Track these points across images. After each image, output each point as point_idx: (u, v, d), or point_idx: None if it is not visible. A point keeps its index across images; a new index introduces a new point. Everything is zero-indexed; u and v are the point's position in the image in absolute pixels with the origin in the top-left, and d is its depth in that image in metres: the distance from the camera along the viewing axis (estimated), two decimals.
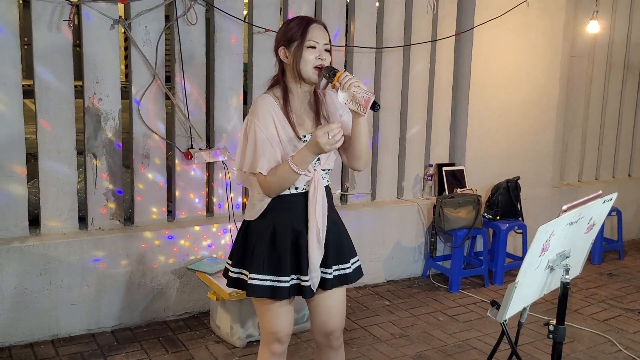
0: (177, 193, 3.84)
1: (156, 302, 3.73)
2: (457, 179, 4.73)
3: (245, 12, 3.95)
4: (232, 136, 3.94)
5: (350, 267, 2.34)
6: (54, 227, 3.51)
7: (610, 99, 5.77)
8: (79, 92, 3.50)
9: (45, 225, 3.49)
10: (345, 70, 2.13)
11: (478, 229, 4.52)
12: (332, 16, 4.16)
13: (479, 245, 4.81)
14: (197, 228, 3.81)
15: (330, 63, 2.19)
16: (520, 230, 4.76)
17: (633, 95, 5.92)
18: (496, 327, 3.86)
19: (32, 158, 3.54)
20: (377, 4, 4.38)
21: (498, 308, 1.88)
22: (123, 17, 3.52)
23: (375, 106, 2.04)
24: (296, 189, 2.22)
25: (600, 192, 2.08)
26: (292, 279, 2.23)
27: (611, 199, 2.09)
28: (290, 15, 4.01)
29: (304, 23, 2.17)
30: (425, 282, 4.63)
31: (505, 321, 1.95)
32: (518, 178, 4.72)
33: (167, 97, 3.71)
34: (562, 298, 2.01)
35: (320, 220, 2.21)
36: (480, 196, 4.58)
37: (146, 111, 3.65)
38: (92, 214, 3.62)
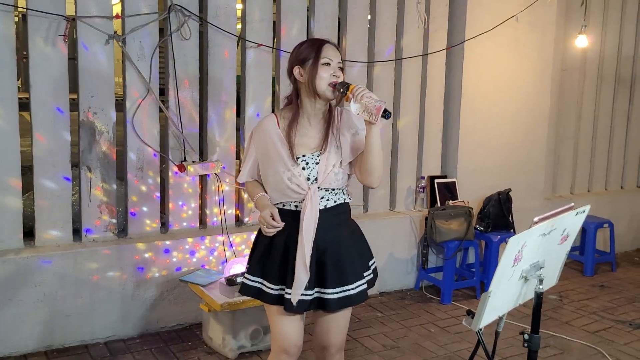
0: (170, 205, 3.88)
1: (149, 314, 3.76)
2: (449, 191, 4.77)
3: (238, 26, 4.01)
4: (225, 149, 3.99)
5: (354, 289, 2.32)
6: (49, 239, 3.54)
7: (602, 112, 5.83)
8: (74, 106, 3.56)
9: (40, 237, 3.53)
10: (359, 84, 2.21)
11: (470, 241, 4.56)
12: (324, 30, 4.22)
13: (471, 257, 4.84)
14: (190, 240, 3.85)
15: (344, 79, 2.28)
16: None
17: (624, 108, 5.98)
18: (488, 339, 3.83)
19: (27, 171, 3.59)
20: (369, 17, 4.45)
21: (473, 317, 1.91)
22: (118, 33, 3.58)
23: (386, 114, 2.12)
24: (295, 206, 2.29)
25: (573, 204, 2.13)
26: (280, 288, 2.31)
27: (584, 211, 2.14)
28: (283, 30, 4.07)
29: (318, 43, 2.28)
30: (417, 294, 4.65)
31: (481, 330, 1.99)
32: (509, 190, 4.77)
33: (161, 111, 3.77)
34: (536, 308, 2.05)
35: (309, 238, 2.23)
36: (472, 208, 4.62)
37: (140, 124, 3.70)
38: (87, 226, 3.65)
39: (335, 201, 2.31)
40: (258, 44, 3.94)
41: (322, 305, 2.29)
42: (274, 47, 4.07)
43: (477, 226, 4.69)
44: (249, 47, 3.95)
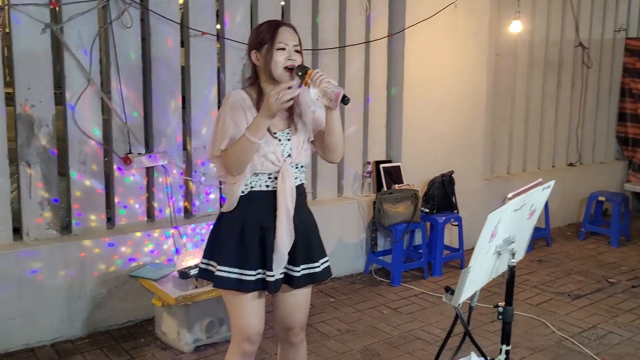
0: (116, 199, 3.77)
1: (98, 312, 3.65)
2: (395, 175, 4.86)
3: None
4: (172, 139, 3.91)
5: (319, 267, 2.41)
6: None
7: (533, 95, 6.08)
8: (10, 99, 3.38)
9: None
10: (317, 68, 2.20)
11: (417, 223, 4.66)
12: (268, 18, 4.15)
13: (418, 239, 4.95)
14: (138, 234, 3.75)
15: (302, 63, 2.27)
16: (456, 223, 4.94)
17: (553, 90, 6.25)
18: (438, 317, 4.00)
19: None
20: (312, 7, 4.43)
21: (452, 293, 1.97)
22: (55, 21, 3.42)
23: (345, 99, 2.13)
24: (267, 186, 2.30)
25: (540, 179, 2.22)
26: (258, 273, 2.30)
27: (549, 186, 2.24)
28: (227, 18, 4.01)
29: (273, 26, 2.27)
30: (367, 278, 4.73)
31: (459, 305, 2.05)
32: (452, 172, 4.90)
33: (104, 102, 3.64)
34: (509, 280, 2.14)
35: (291, 205, 2.28)
36: (418, 191, 4.73)
37: (81, 117, 3.56)
38: (27, 224, 3.50)
39: (301, 180, 2.37)
40: (202, 32, 3.86)
41: (288, 282, 2.35)
42: (218, 35, 4.01)
43: (423, 208, 4.80)
44: (192, 36, 3.87)
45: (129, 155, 3.70)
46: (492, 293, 4.34)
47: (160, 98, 3.83)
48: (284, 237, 2.27)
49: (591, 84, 6.52)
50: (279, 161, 2.27)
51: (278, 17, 4.26)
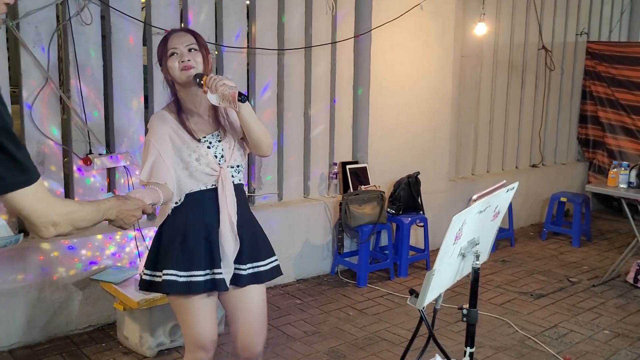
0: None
1: (57, 317, 3.55)
2: (361, 176, 4.86)
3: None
4: (134, 140, 3.82)
5: (265, 265, 2.38)
6: None
7: (498, 97, 6.15)
8: None
9: None
10: (212, 73, 2.20)
11: (383, 224, 4.67)
12: (233, 17, 4.14)
13: (384, 240, 4.96)
14: (99, 237, 3.67)
15: (206, 62, 2.26)
16: (422, 224, 4.96)
17: (517, 93, 6.34)
18: (403, 318, 4.01)
19: None
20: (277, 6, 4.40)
21: (417, 296, 1.97)
22: (11, 17, 3.31)
23: (242, 97, 2.13)
24: (205, 185, 2.27)
25: (504, 181, 2.23)
26: (207, 273, 2.26)
27: (513, 188, 2.25)
28: (190, 16, 3.95)
29: (164, 39, 2.30)
30: (334, 279, 4.71)
31: (424, 308, 2.05)
32: (418, 173, 4.92)
33: (63, 101, 3.55)
34: (473, 283, 2.14)
35: (232, 211, 2.27)
36: (384, 192, 4.73)
37: (39, 116, 3.46)
38: None
39: (239, 180, 2.37)
40: (165, 30, 3.79)
41: (235, 281, 2.31)
42: None
43: (389, 209, 4.81)
44: (155, 34, 3.80)
45: (89, 155, 3.61)
46: (456, 293, 4.37)
47: (122, 97, 3.74)
48: (229, 241, 2.26)
49: (553, 86, 6.63)
50: (215, 170, 2.26)
51: (243, 17, 4.22)
